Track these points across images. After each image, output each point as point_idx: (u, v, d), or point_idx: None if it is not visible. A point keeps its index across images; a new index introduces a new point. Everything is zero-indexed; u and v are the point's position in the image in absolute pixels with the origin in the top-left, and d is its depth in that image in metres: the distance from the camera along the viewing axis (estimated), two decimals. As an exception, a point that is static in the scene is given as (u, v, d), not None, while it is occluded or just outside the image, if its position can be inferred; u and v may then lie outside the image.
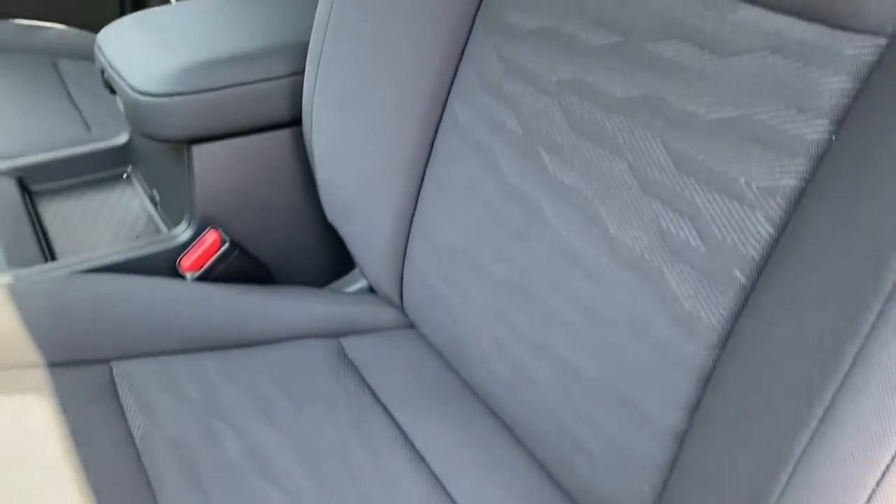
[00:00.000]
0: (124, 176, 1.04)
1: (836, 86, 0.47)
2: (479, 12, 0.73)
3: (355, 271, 0.93)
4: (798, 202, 0.48)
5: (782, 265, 0.47)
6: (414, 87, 0.76)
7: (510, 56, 0.69)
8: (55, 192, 1.00)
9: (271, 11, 0.92)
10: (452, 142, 0.74)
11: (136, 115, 0.82)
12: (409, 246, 0.81)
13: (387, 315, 0.86)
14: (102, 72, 0.90)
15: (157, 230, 0.94)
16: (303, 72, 0.84)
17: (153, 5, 1.61)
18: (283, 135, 0.87)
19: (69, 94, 1.31)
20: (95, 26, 1.57)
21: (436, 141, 0.77)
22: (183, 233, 0.86)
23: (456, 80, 0.75)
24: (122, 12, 1.59)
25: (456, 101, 0.74)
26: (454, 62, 0.75)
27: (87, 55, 1.47)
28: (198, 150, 0.83)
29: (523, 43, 0.68)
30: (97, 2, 1.58)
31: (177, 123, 0.80)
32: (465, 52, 0.74)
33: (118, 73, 0.84)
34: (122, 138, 1.04)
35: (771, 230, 0.49)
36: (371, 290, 0.90)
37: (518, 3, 0.68)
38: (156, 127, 0.81)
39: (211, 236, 0.83)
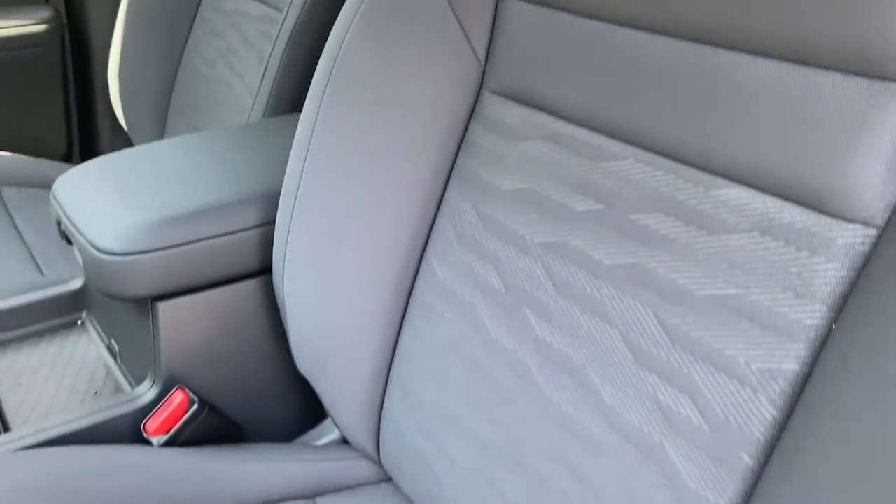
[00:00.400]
0: (79, 322, 1.00)
1: (830, 273, 0.47)
2: (454, 170, 0.73)
3: (328, 421, 0.90)
4: (803, 387, 0.48)
5: (796, 459, 0.46)
6: (390, 239, 0.75)
7: (488, 214, 0.69)
8: (5, 345, 0.94)
9: (235, 158, 0.90)
10: (432, 296, 0.73)
11: (98, 274, 0.79)
12: (386, 400, 0.78)
13: (362, 469, 0.83)
14: (59, 223, 0.86)
15: (118, 385, 0.89)
16: (272, 222, 0.82)
17: (102, 129, 1.59)
18: (252, 284, 0.85)
19: (16, 227, 1.27)
20: (41, 152, 1.54)
21: (413, 293, 0.76)
22: (147, 392, 0.82)
23: (433, 234, 0.74)
24: (70, 137, 1.56)
25: (434, 255, 0.74)
26: (431, 215, 0.75)
27: (33, 182, 1.43)
28: (163, 307, 0.80)
29: (501, 202, 0.68)
30: (43, 127, 1.55)
31: (142, 282, 0.77)
32: (442, 207, 0.74)
33: (77, 229, 0.81)
34: (76, 283, 1.00)
35: (775, 413, 0.49)
36: (345, 440, 0.86)
37: (494, 164, 0.69)
38: (120, 286, 0.78)
39: (178, 396, 0.79)
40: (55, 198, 0.87)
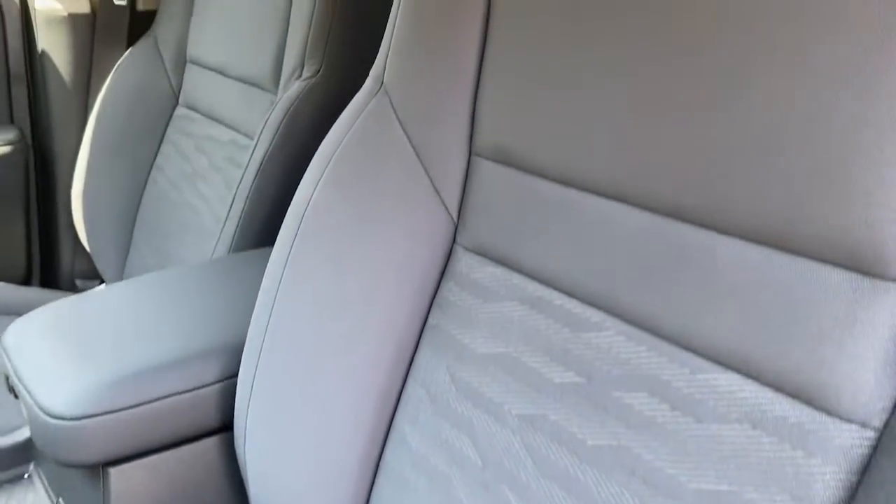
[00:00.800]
0: (26, 476, 0.93)
1: (828, 476, 0.44)
2: (426, 328, 0.70)
3: (293, 589, 0.83)
4: None
5: None
6: (358, 398, 0.71)
7: (463, 378, 0.65)
8: (-58, 506, 0.88)
9: (197, 304, 0.87)
10: (403, 465, 0.69)
11: (45, 439, 0.73)
12: (356, 571, 0.73)
13: None
14: (6, 376, 0.81)
15: (63, 554, 0.83)
16: (234, 376, 0.78)
17: (64, 252, 1.54)
18: (211, 443, 0.80)
19: (-35, 361, 1.20)
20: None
21: (383, 460, 0.71)
22: (95, 567, 0.76)
23: (404, 396, 0.71)
24: (30, 260, 1.51)
25: (405, 419, 0.70)
26: (401, 374, 0.71)
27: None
28: (115, 473, 0.74)
29: (477, 367, 0.64)
30: (2, 250, 1.50)
31: (93, 449, 0.72)
32: (413, 367, 0.70)
33: (25, 387, 0.76)
34: (25, 431, 0.94)
35: None
36: None
37: (467, 325, 0.66)
38: (68, 453, 0.72)
39: (128, 573, 0.72)
40: (4, 349, 0.82)
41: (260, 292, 0.77)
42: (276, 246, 0.76)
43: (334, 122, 0.77)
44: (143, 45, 1.43)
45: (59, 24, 1.45)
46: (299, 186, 0.76)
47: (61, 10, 1.43)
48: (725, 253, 0.50)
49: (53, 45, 1.46)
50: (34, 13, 1.45)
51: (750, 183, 0.48)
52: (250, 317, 0.78)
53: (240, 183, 1.15)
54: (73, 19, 1.45)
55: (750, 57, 0.47)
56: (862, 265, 0.44)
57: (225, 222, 1.16)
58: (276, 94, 1.17)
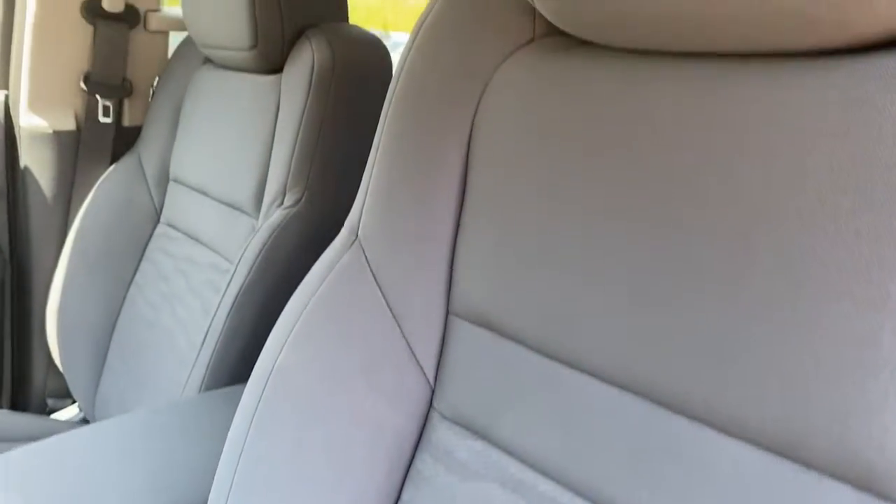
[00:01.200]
0: None
1: None
2: (399, 503, 0.64)
3: None
4: None
5: None
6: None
7: (439, 566, 0.59)
8: None
9: (158, 458, 0.81)
10: None
11: None
12: None
13: None
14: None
15: None
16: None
17: (37, 372, 1.49)
18: None
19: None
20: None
21: None
22: None
23: (375, 578, 0.64)
24: (0, 380, 1.46)
25: None
26: (372, 553, 0.65)
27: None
28: None
29: (454, 555, 0.59)
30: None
31: None
32: (386, 547, 0.64)
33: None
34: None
35: None
36: None
37: (445, 505, 0.61)
38: None
39: None
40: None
41: (222, 456, 0.71)
42: (239, 407, 0.71)
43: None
44: (126, 161, 1.41)
45: (44, 140, 1.43)
46: (266, 344, 0.71)
47: (46, 127, 1.42)
48: (725, 454, 0.45)
49: (36, 160, 1.44)
50: (19, 130, 1.43)
51: (751, 383, 0.44)
52: (213, 475, 0.72)
53: (217, 310, 1.11)
54: (58, 136, 1.43)
55: (752, 255, 0.44)
56: (874, 486, 0.39)
57: (200, 350, 1.11)
58: (257, 218, 1.14)
